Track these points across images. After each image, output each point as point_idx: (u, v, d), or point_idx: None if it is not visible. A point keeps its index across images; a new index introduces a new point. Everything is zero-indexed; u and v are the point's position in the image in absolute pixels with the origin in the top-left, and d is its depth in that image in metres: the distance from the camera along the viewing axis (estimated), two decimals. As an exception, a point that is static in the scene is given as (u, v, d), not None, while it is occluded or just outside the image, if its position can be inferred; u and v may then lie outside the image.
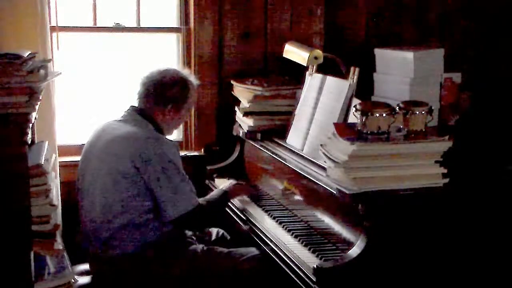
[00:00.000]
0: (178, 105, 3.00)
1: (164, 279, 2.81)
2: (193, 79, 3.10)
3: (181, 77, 3.04)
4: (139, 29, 3.84)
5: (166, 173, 2.79)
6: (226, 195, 3.11)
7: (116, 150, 2.82)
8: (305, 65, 3.37)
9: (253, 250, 2.92)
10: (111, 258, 2.82)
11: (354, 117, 2.60)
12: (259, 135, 3.50)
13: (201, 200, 2.95)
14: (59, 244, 2.33)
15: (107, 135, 2.88)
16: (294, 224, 2.90)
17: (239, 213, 3.18)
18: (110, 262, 2.82)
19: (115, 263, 2.81)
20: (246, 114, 3.54)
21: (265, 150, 3.35)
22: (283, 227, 2.90)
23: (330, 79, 3.17)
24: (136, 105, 3.01)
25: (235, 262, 2.88)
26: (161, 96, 2.97)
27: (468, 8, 4.02)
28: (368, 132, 2.48)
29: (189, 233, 3.03)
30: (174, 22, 3.90)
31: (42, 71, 2.39)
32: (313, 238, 2.75)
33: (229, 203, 3.19)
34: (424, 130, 2.52)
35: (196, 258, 2.88)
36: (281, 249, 2.69)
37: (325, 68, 3.34)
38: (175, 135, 3.85)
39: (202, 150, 3.87)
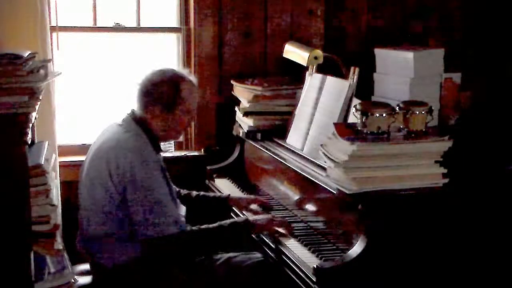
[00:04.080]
0: (169, 106, 2.81)
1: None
2: (190, 79, 2.89)
3: (172, 76, 2.84)
4: (139, 29, 3.85)
5: (140, 188, 2.66)
6: (248, 227, 2.81)
7: (99, 157, 2.75)
8: (305, 65, 3.37)
9: (255, 256, 2.87)
10: (98, 266, 2.79)
11: (354, 117, 2.60)
12: (259, 135, 3.50)
13: (191, 227, 2.79)
14: (59, 244, 2.33)
15: (100, 139, 2.84)
16: (294, 224, 2.89)
17: (238, 212, 3.19)
18: (99, 270, 2.80)
19: (104, 272, 2.78)
20: (246, 114, 3.54)
21: (265, 150, 3.35)
22: (283, 227, 2.90)
23: (330, 79, 3.17)
24: (135, 109, 2.89)
25: (235, 270, 2.83)
26: (150, 96, 2.82)
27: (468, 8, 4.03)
28: (368, 132, 2.48)
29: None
30: (174, 22, 3.91)
31: (42, 71, 2.39)
32: (313, 238, 2.74)
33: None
34: (424, 130, 2.52)
35: (195, 266, 2.81)
36: (281, 249, 2.69)
37: (325, 68, 3.34)
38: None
39: (202, 150, 3.87)
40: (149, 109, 2.83)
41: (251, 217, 2.89)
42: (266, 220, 2.84)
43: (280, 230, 2.81)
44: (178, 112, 2.85)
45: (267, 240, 2.82)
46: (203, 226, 2.78)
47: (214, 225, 2.78)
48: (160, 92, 2.82)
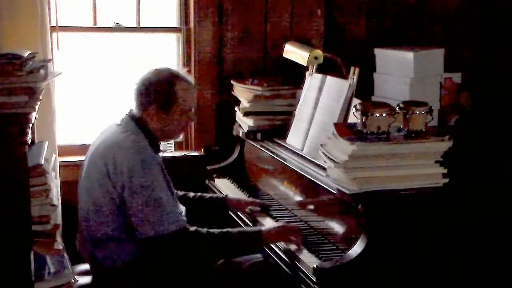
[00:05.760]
0: (165, 106, 2.77)
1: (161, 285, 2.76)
2: (186, 78, 2.84)
3: (167, 76, 2.80)
4: (139, 29, 3.85)
5: (139, 187, 2.63)
6: (259, 237, 2.72)
7: (97, 157, 2.74)
8: (305, 65, 3.37)
9: (255, 256, 2.87)
10: (99, 266, 2.79)
11: (354, 117, 2.60)
12: (259, 135, 3.50)
13: (204, 229, 2.69)
14: (59, 244, 2.33)
15: (99, 139, 2.84)
16: (294, 224, 2.88)
17: (239, 213, 3.19)
18: (99, 270, 2.79)
19: (104, 272, 2.77)
20: (246, 114, 3.55)
21: (265, 150, 3.35)
22: (283, 227, 2.90)
23: (330, 79, 3.17)
24: (133, 108, 2.86)
25: (235, 270, 2.83)
26: (146, 96, 2.79)
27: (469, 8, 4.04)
28: (368, 132, 2.48)
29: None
30: (174, 22, 3.91)
31: (42, 71, 2.39)
32: (313, 238, 2.75)
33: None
34: (424, 130, 2.53)
35: (195, 266, 2.79)
36: (281, 249, 2.69)
37: (325, 68, 3.34)
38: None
39: (202, 150, 3.87)
40: (146, 109, 2.81)
41: (264, 228, 2.80)
42: (278, 233, 2.75)
43: (292, 238, 2.74)
44: (174, 112, 2.81)
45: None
46: (205, 230, 2.71)
47: (223, 230, 2.71)
48: (156, 91, 2.79)
